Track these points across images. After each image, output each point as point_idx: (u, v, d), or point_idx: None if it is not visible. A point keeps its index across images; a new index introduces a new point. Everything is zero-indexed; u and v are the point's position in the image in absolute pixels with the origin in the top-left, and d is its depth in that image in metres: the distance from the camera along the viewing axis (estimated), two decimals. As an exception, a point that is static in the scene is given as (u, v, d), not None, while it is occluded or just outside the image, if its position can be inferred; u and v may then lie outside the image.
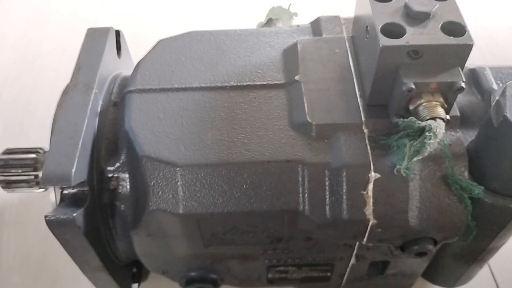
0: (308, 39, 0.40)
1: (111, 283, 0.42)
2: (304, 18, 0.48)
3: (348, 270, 0.42)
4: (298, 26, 0.43)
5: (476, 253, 0.39)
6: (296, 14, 0.54)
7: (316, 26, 0.42)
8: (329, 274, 0.43)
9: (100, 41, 0.41)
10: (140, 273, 0.48)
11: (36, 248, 0.52)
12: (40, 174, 0.40)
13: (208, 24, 0.72)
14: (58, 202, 0.36)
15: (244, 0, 0.75)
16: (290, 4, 0.54)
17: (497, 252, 0.50)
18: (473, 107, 0.37)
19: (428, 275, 0.45)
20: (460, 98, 0.37)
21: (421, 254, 0.36)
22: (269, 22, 0.53)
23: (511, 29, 0.74)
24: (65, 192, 0.35)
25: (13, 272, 0.51)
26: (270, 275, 0.43)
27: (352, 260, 0.40)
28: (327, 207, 0.34)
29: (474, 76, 0.39)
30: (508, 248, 0.51)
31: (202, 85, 0.38)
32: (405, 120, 0.31)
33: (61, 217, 0.33)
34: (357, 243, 0.37)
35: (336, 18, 0.42)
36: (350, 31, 0.40)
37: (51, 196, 0.37)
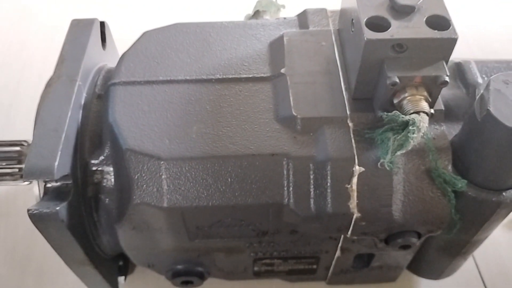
0: (295, 31, 0.40)
1: (96, 276, 0.41)
2: (292, 11, 0.47)
3: (333, 262, 0.42)
4: (284, 18, 0.43)
5: (460, 245, 0.39)
6: (283, 6, 0.54)
7: (303, 18, 0.42)
8: (315, 266, 0.43)
9: (85, 32, 0.41)
10: (126, 266, 0.48)
11: (22, 240, 0.52)
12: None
13: (195, 16, 0.72)
14: (41, 195, 0.35)
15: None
16: (278, -4, 0.54)
17: (481, 245, 0.51)
18: (458, 100, 0.37)
19: (413, 267, 0.45)
20: (445, 92, 0.37)
21: (405, 247, 0.36)
22: (256, 14, 0.52)
23: (499, 23, 0.74)
24: (49, 185, 0.35)
25: (-1, 265, 0.51)
26: (256, 268, 0.43)
27: (337, 253, 0.40)
28: (312, 201, 0.34)
29: (460, 70, 0.39)
30: (493, 240, 0.52)
31: (188, 77, 0.38)
32: (389, 114, 0.31)
33: (44, 210, 0.33)
34: (342, 236, 0.37)
35: (323, 11, 0.42)
36: (336, 24, 0.40)
37: (35, 189, 0.37)
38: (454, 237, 0.38)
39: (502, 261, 0.51)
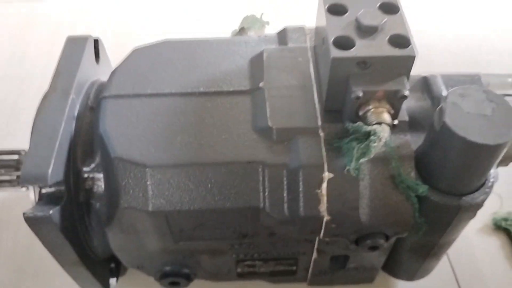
0: (274, 48, 0.43)
1: (89, 277, 0.44)
2: (276, 27, 0.50)
3: (311, 264, 0.44)
4: (266, 35, 0.46)
5: (429, 247, 0.42)
6: (267, 23, 0.57)
7: (282, 35, 0.45)
8: (294, 268, 0.46)
9: (79, 48, 0.44)
10: (118, 268, 0.51)
11: (21, 245, 0.55)
12: (22, 174, 0.43)
13: (186, 32, 0.75)
14: (36, 200, 0.38)
15: (220, 7, 0.78)
16: (262, 14, 0.57)
17: (457, 248, 0.54)
18: (424, 112, 0.40)
19: (389, 269, 0.48)
20: (412, 104, 0.40)
21: (374, 248, 0.39)
22: (241, 30, 0.56)
23: (482, 36, 0.77)
24: (43, 191, 0.38)
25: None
26: (239, 269, 0.46)
27: (314, 255, 0.43)
28: (285, 205, 0.36)
29: (426, 84, 0.42)
30: (466, 241, 0.55)
31: (173, 91, 0.41)
32: (354, 125, 0.34)
33: (38, 214, 0.35)
34: (317, 238, 0.40)
35: (301, 29, 0.45)
36: (313, 41, 0.43)
37: (31, 195, 0.40)
38: (422, 240, 0.40)
39: (477, 264, 0.54)
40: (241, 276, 0.47)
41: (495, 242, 0.55)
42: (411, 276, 0.48)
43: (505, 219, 0.56)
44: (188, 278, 0.46)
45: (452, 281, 0.52)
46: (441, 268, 0.52)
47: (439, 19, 0.80)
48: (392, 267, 0.48)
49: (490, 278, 0.53)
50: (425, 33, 0.75)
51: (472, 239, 0.55)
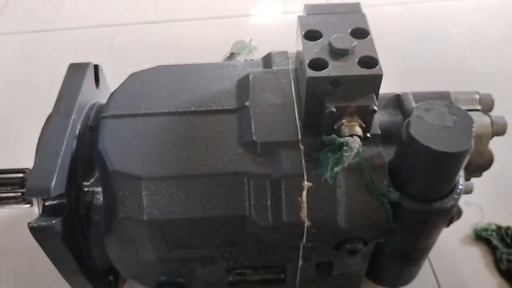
0: (259, 71, 0.47)
1: (88, 287, 0.47)
2: (263, 52, 0.55)
3: (298, 271, 0.47)
4: (252, 60, 0.50)
5: (407, 253, 0.45)
6: (256, 48, 0.62)
7: (267, 59, 0.49)
8: (283, 276, 0.48)
9: (80, 74, 0.48)
10: (116, 280, 0.53)
11: (24, 258, 0.57)
12: (26, 191, 0.46)
13: (180, 58, 0.79)
14: (40, 212, 0.41)
15: (218, 33, 0.83)
16: (251, 40, 0.62)
17: (439, 255, 0.56)
18: (396, 127, 0.43)
19: (372, 276, 0.51)
20: (385, 119, 0.44)
21: (353, 252, 0.42)
22: (231, 56, 0.60)
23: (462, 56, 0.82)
24: (47, 203, 0.41)
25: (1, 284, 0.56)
26: (230, 278, 0.48)
27: (300, 262, 0.45)
28: (270, 212, 0.39)
29: (398, 100, 0.45)
30: (449, 251, 0.58)
31: (166, 110, 0.44)
32: (329, 137, 0.38)
33: (42, 224, 0.39)
34: (301, 245, 0.43)
35: (284, 53, 0.49)
36: (294, 63, 0.47)
37: (35, 208, 0.43)
38: (399, 245, 0.43)
39: (459, 273, 0.56)
40: (233, 285, 0.49)
41: (476, 252, 0.58)
42: (394, 283, 0.50)
43: (485, 230, 0.58)
44: (183, 288, 0.48)
45: (435, 289, 0.55)
46: (424, 276, 0.55)
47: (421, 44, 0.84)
48: (376, 275, 0.50)
49: (472, 285, 0.55)
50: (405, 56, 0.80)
51: (454, 249, 0.58)
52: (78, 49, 0.84)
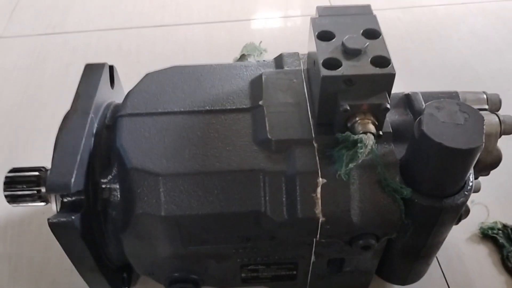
0: (271, 71, 0.48)
1: (104, 284, 0.48)
2: (273, 53, 0.56)
3: (310, 268, 0.48)
4: (264, 61, 0.51)
5: (417, 249, 0.46)
6: (265, 50, 0.63)
7: (279, 60, 0.50)
8: (295, 272, 0.49)
9: (96, 74, 0.49)
10: (130, 278, 0.54)
11: (36, 256, 0.58)
12: (42, 189, 0.47)
13: (192, 59, 0.81)
14: (58, 209, 0.42)
15: (224, 37, 0.84)
16: (261, 42, 0.63)
17: (447, 254, 0.57)
18: (406, 125, 0.45)
19: (382, 273, 0.51)
20: (396, 118, 0.45)
21: (366, 248, 0.42)
22: (242, 57, 0.61)
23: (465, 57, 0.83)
24: (65, 200, 0.42)
25: (14, 282, 0.56)
26: (243, 274, 0.49)
27: (312, 258, 0.46)
28: (285, 208, 0.40)
29: (408, 100, 0.46)
30: (456, 249, 0.59)
31: (182, 109, 0.45)
32: (343, 134, 0.39)
33: (62, 219, 0.39)
34: (314, 241, 0.44)
35: (295, 54, 0.50)
36: (306, 64, 0.48)
37: (53, 206, 0.44)
38: (410, 241, 0.44)
39: (466, 271, 0.57)
40: (245, 281, 0.50)
41: (483, 250, 0.59)
42: (403, 280, 0.51)
43: (492, 228, 0.59)
44: (196, 285, 0.49)
45: (443, 287, 0.56)
46: (433, 274, 0.56)
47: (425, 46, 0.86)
48: (385, 271, 0.51)
49: (479, 283, 0.56)
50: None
51: (461, 247, 0.59)
52: (87, 52, 0.85)
